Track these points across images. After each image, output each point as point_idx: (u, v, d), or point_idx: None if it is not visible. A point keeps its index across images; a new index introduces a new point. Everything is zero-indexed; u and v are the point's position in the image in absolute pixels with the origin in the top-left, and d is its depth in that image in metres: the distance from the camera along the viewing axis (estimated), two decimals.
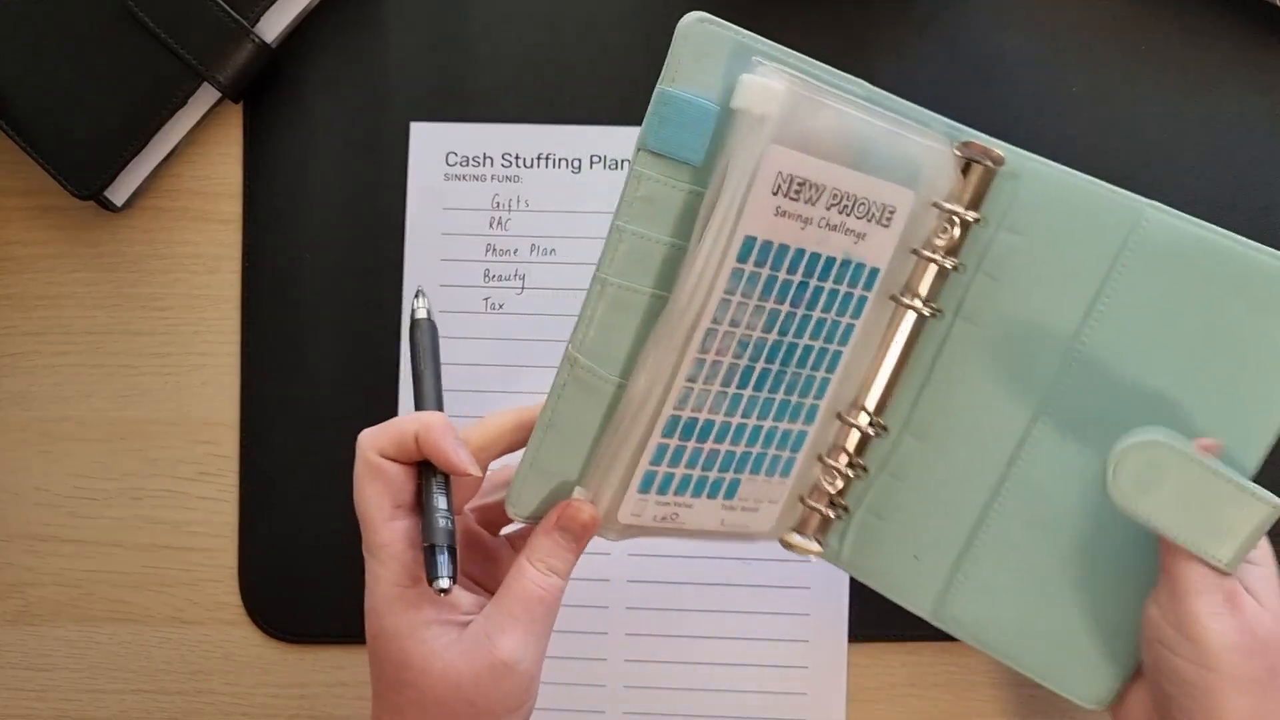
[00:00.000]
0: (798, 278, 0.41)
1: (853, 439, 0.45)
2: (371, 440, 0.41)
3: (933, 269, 0.44)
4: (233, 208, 0.57)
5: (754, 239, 0.39)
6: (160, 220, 0.58)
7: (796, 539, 0.46)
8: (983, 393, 0.45)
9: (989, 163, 0.43)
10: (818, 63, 0.41)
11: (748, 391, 0.42)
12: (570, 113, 0.56)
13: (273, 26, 0.55)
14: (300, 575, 0.56)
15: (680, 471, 0.42)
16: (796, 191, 0.39)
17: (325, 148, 0.57)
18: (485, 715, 0.39)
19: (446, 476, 0.41)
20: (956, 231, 0.43)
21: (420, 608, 0.39)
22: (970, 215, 0.43)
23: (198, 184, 0.57)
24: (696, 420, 0.42)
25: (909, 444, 0.46)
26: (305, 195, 0.57)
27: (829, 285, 0.42)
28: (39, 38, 0.55)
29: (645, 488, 0.42)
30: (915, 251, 0.44)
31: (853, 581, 0.54)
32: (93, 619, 0.57)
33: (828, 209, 0.40)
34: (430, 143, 0.56)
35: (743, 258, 0.39)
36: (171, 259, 0.57)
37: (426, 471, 0.41)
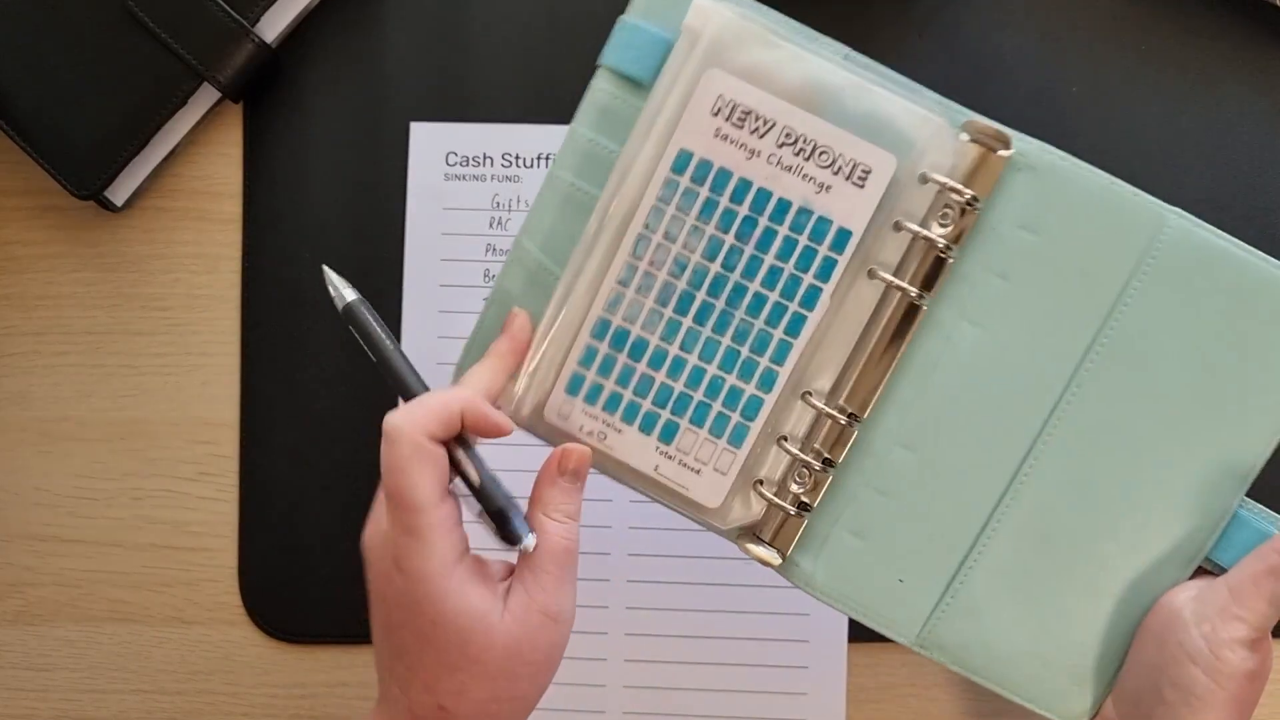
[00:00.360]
0: (742, 210, 0.41)
1: (833, 436, 0.43)
2: (416, 423, 0.39)
3: (922, 248, 0.41)
4: (233, 208, 0.57)
5: (690, 153, 0.41)
6: (160, 220, 0.58)
7: (756, 549, 0.44)
8: (987, 402, 0.43)
9: (995, 145, 0.41)
10: (795, 23, 0.42)
11: (686, 320, 0.42)
12: (570, 113, 0.56)
13: (273, 26, 0.55)
14: (300, 575, 0.56)
15: (610, 386, 0.43)
16: (740, 119, 0.41)
17: (325, 148, 0.57)
18: (542, 671, 0.41)
19: (472, 444, 0.42)
20: (960, 216, 0.41)
21: (473, 584, 0.40)
22: (964, 191, 0.41)
23: (198, 184, 0.57)
24: (628, 332, 0.42)
25: (898, 455, 0.43)
26: (305, 195, 0.57)
27: (783, 230, 0.41)
28: (39, 38, 0.55)
29: (573, 390, 0.43)
30: (900, 224, 0.41)
31: None
32: (93, 619, 0.57)
33: (779, 146, 0.41)
34: (430, 143, 0.56)
35: (678, 168, 0.41)
36: (171, 259, 0.57)
37: (466, 450, 0.41)
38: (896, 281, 0.41)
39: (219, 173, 0.57)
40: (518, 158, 0.56)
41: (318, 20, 0.57)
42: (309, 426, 0.57)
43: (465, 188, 0.56)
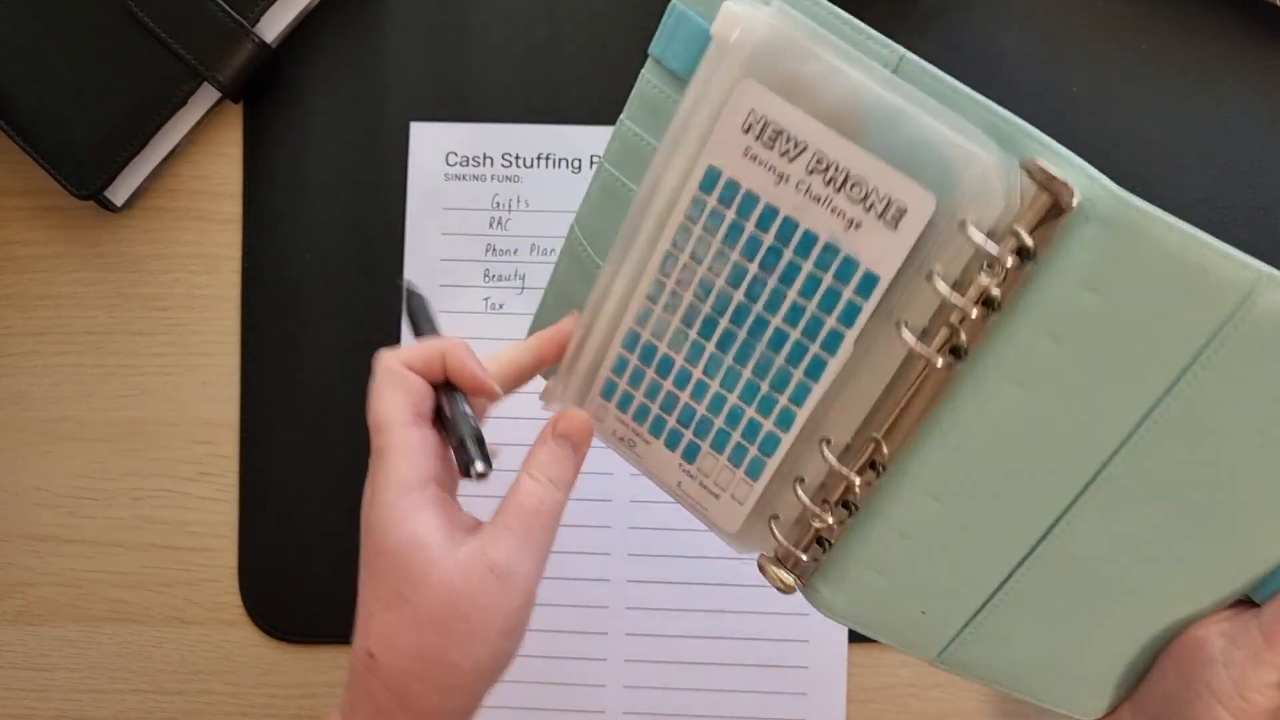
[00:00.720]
0: (767, 238, 0.38)
1: (854, 485, 0.39)
2: (396, 354, 0.40)
3: (959, 314, 0.36)
4: (233, 208, 0.57)
5: (719, 172, 0.37)
6: (160, 220, 0.58)
7: (776, 571, 0.42)
8: (1026, 462, 0.38)
9: (1058, 193, 0.34)
10: (851, 18, 0.37)
11: (710, 345, 0.40)
12: (570, 113, 0.56)
13: (273, 26, 0.55)
14: (300, 575, 0.56)
15: (639, 397, 0.42)
16: (771, 139, 0.36)
17: (325, 148, 0.57)
18: (478, 633, 0.37)
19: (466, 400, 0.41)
20: (1012, 270, 0.35)
21: (426, 512, 0.38)
22: (1027, 243, 0.34)
23: (198, 184, 0.57)
24: (655, 349, 0.41)
25: (924, 504, 0.40)
26: (305, 195, 0.57)
27: (807, 266, 0.37)
28: (39, 38, 0.54)
29: (607, 395, 0.42)
30: (930, 278, 0.35)
31: None
32: (93, 619, 0.57)
33: (809, 172, 0.36)
34: (430, 143, 0.56)
35: (705, 187, 0.38)
36: (171, 259, 0.57)
37: (448, 392, 0.41)
38: (921, 349, 0.36)
39: (219, 173, 0.57)
40: (518, 158, 0.56)
41: (318, 20, 0.57)
42: (309, 426, 0.57)
43: (465, 188, 0.56)
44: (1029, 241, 0.34)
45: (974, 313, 0.35)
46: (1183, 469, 0.38)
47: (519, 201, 0.56)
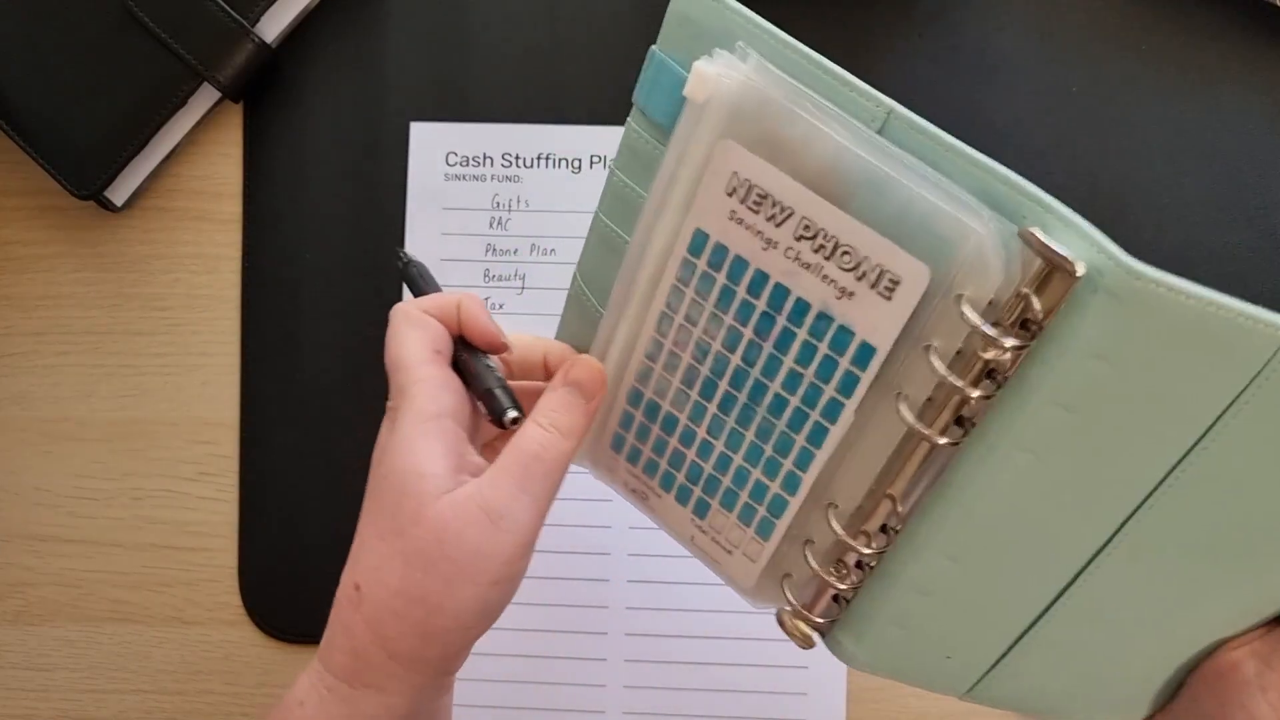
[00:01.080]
0: (759, 304, 0.36)
1: (863, 549, 0.38)
2: (411, 301, 0.40)
3: (958, 398, 0.34)
4: (233, 208, 0.57)
5: (706, 236, 0.36)
6: (160, 220, 0.58)
7: (797, 624, 0.41)
8: (1044, 524, 0.37)
9: (1060, 269, 0.32)
10: (836, 69, 0.34)
11: (711, 407, 0.39)
12: (570, 113, 0.56)
13: (273, 26, 0.55)
14: (300, 575, 0.56)
15: (647, 452, 0.41)
16: (756, 204, 0.35)
17: (325, 148, 0.57)
18: (463, 577, 0.36)
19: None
20: (1007, 350, 0.33)
21: (435, 442, 0.36)
22: (994, 332, 0.32)
23: (198, 184, 0.57)
24: (659, 406, 0.40)
25: (940, 564, 0.38)
26: (305, 195, 0.57)
27: (801, 334, 0.36)
28: (39, 38, 0.55)
29: (617, 447, 0.42)
30: (929, 351, 0.34)
31: None
32: (93, 619, 0.57)
33: (797, 239, 0.34)
34: (430, 143, 0.56)
35: (694, 251, 0.36)
36: (171, 259, 0.57)
37: (467, 346, 0.40)
38: (920, 428, 0.34)
39: (219, 173, 0.57)
40: (518, 158, 0.56)
41: (318, 20, 0.57)
42: (309, 426, 0.57)
43: (465, 188, 0.56)
44: (1035, 312, 0.32)
45: (974, 394, 0.33)
46: (1210, 520, 0.36)
47: (519, 201, 0.56)
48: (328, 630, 0.38)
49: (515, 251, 0.56)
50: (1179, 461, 0.35)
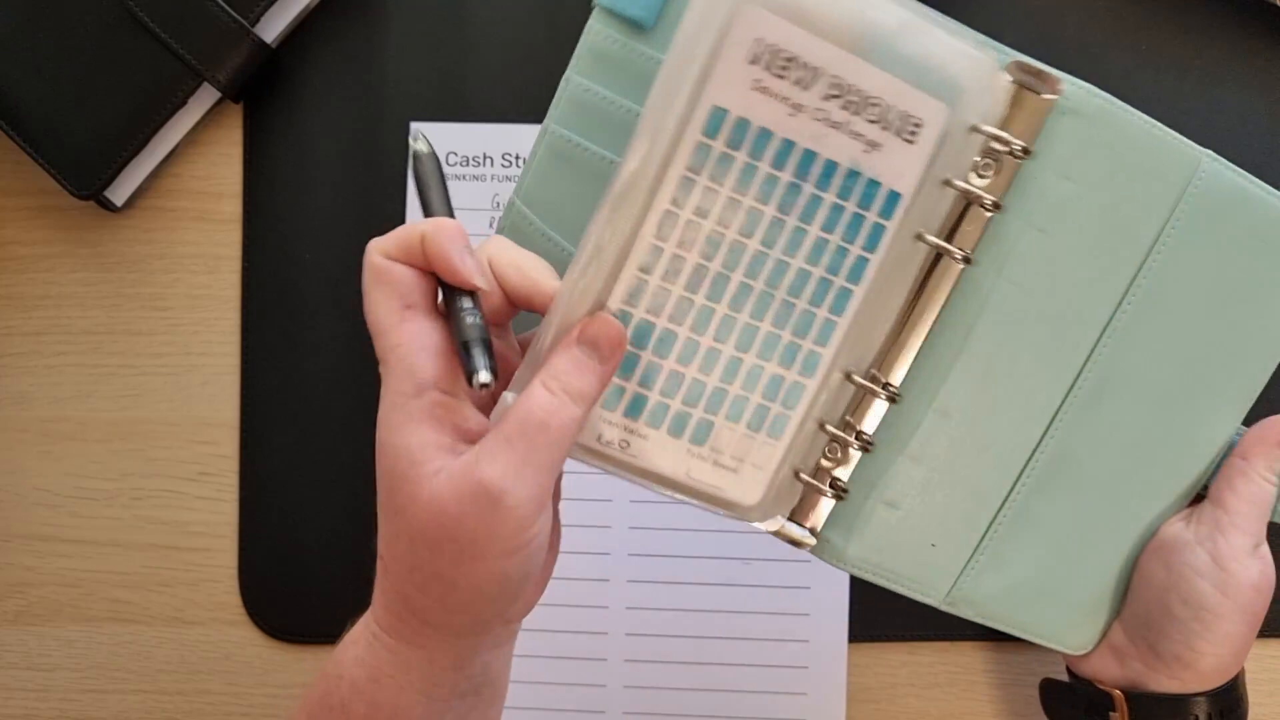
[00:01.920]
0: (786, 175, 0.36)
1: (873, 413, 0.40)
2: (377, 244, 0.36)
3: (977, 211, 0.38)
4: (233, 208, 0.57)
5: (724, 112, 0.35)
6: (160, 220, 0.58)
7: (792, 529, 0.41)
8: (1022, 364, 0.41)
9: (1040, 88, 0.38)
10: None
11: (720, 307, 0.37)
12: None
13: (273, 26, 0.55)
14: (300, 575, 0.56)
15: (632, 388, 0.38)
16: (783, 68, 0.34)
17: (325, 148, 0.57)
18: (471, 554, 0.34)
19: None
20: (1003, 167, 0.38)
21: (420, 425, 0.34)
22: (1018, 144, 0.38)
23: (198, 184, 0.57)
24: (652, 327, 0.37)
25: (932, 422, 0.42)
26: (305, 195, 0.57)
27: (830, 196, 0.36)
28: (39, 38, 0.54)
29: None
30: (949, 183, 0.38)
31: (853, 581, 0.54)
32: (93, 619, 0.57)
33: (825, 99, 0.35)
34: (430, 143, 0.56)
35: (710, 132, 0.35)
36: (171, 259, 0.57)
37: (445, 286, 0.37)
38: (948, 247, 0.38)
39: (219, 173, 0.57)
40: (518, 158, 0.56)
41: (318, 20, 0.57)
42: (309, 426, 0.57)
43: (465, 188, 0.56)
44: (1020, 141, 0.38)
45: (989, 201, 0.38)
46: (1155, 349, 0.42)
47: None
48: (375, 588, 0.37)
49: None
50: (1130, 284, 0.41)
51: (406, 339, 0.35)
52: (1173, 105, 0.54)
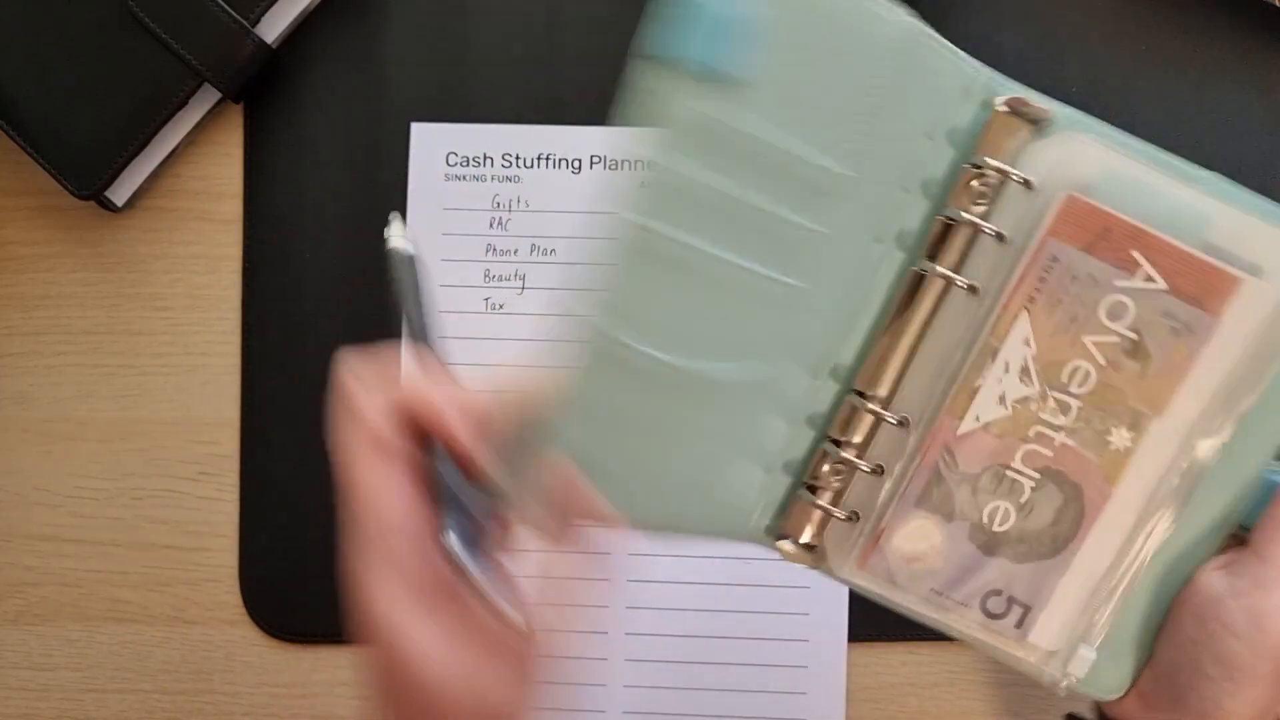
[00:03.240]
0: None
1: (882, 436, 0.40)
2: (353, 370, 0.34)
3: (970, 234, 0.40)
4: (233, 208, 0.57)
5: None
6: (160, 220, 0.58)
7: (789, 549, 0.43)
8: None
9: (1042, 118, 0.42)
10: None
11: None
12: (570, 113, 0.56)
13: (273, 26, 0.55)
14: (300, 575, 0.56)
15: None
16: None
17: (325, 147, 0.57)
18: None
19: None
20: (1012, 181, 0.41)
21: (418, 623, 0.33)
22: (1003, 177, 0.40)
23: (198, 184, 0.57)
24: None
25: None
26: (305, 195, 0.57)
27: None
28: (39, 38, 0.55)
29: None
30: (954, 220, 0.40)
31: None
32: (93, 619, 0.57)
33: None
34: (430, 143, 0.56)
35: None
36: (172, 259, 0.57)
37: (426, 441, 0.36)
38: (962, 282, 0.39)
39: (219, 173, 0.57)
40: (518, 158, 0.56)
41: (318, 20, 0.57)
42: (309, 426, 0.56)
43: (465, 188, 0.56)
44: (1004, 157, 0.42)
45: (990, 230, 0.40)
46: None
47: (519, 202, 0.56)
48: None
49: (515, 252, 0.56)
50: None
51: (372, 491, 0.33)
52: (1172, 105, 0.54)
